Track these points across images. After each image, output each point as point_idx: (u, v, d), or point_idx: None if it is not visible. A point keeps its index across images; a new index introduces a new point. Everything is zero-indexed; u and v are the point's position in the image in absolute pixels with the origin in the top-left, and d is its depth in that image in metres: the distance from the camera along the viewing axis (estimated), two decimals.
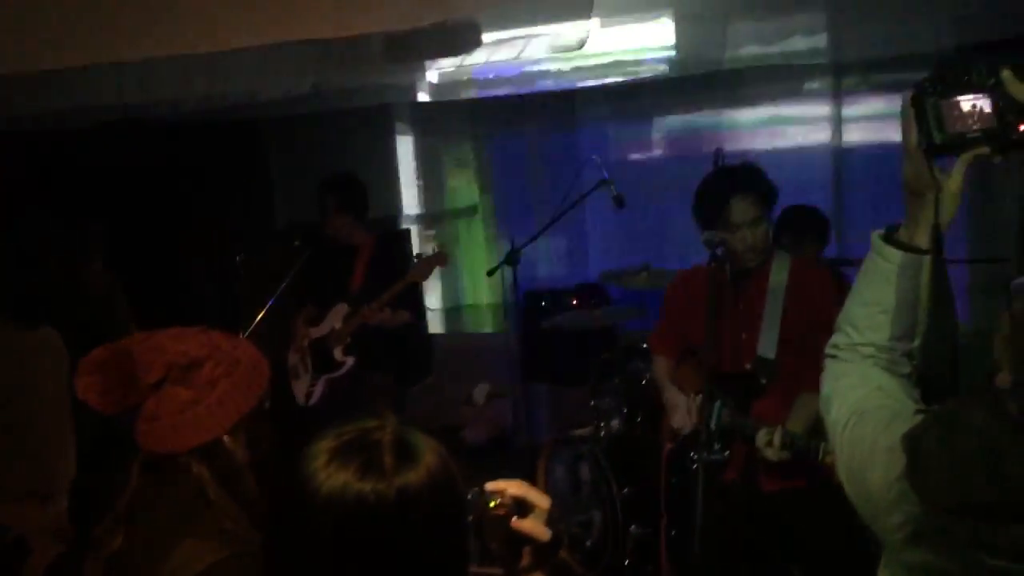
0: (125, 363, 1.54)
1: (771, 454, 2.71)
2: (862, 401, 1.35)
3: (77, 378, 1.55)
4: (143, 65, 3.22)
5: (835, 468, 1.47)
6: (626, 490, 3.82)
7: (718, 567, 2.97)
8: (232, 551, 1.47)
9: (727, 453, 2.76)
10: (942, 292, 1.25)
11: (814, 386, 2.84)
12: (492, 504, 1.25)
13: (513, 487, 1.28)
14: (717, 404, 2.82)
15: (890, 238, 1.38)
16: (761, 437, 2.73)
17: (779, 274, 2.97)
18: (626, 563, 3.78)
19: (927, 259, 1.32)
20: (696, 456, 2.52)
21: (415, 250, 6.11)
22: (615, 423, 4.10)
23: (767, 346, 2.89)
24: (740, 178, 2.91)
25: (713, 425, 2.75)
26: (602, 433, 4.10)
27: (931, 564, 1.16)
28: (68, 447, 3.10)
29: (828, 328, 2.97)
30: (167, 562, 1.47)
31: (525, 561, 1.30)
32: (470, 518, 1.24)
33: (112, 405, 1.54)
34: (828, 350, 1.49)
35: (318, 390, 4.27)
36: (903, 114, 1.30)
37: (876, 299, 1.39)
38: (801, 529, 2.92)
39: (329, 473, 1.10)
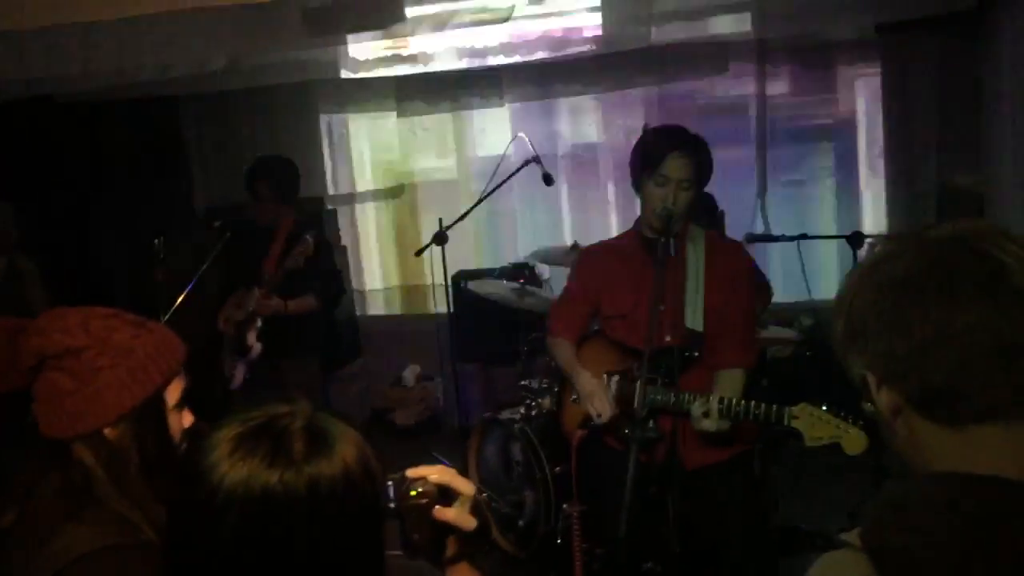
0: (9, 343, 1.48)
1: (708, 424, 2.62)
2: None
3: None
4: (47, 34, 3.05)
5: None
6: (558, 468, 3.80)
7: (644, 546, 2.93)
8: (109, 542, 1.40)
9: (658, 431, 2.67)
10: None
11: (734, 361, 2.87)
12: (414, 492, 1.17)
13: (436, 473, 1.20)
14: (639, 382, 2.71)
15: None
16: (697, 408, 2.63)
17: (696, 246, 2.89)
18: (559, 541, 3.77)
19: None
20: (629, 434, 2.46)
21: (339, 231, 6.04)
22: (545, 402, 4.08)
23: (695, 319, 2.81)
24: (685, 137, 2.84)
25: (639, 403, 2.66)
26: (533, 412, 4.08)
27: None
28: None
29: (743, 303, 2.95)
30: (48, 545, 1.41)
31: (450, 551, 1.22)
32: (392, 505, 1.15)
33: None
34: None
35: (239, 374, 4.22)
36: None
37: None
38: (723, 504, 2.89)
39: (232, 463, 0.99)
